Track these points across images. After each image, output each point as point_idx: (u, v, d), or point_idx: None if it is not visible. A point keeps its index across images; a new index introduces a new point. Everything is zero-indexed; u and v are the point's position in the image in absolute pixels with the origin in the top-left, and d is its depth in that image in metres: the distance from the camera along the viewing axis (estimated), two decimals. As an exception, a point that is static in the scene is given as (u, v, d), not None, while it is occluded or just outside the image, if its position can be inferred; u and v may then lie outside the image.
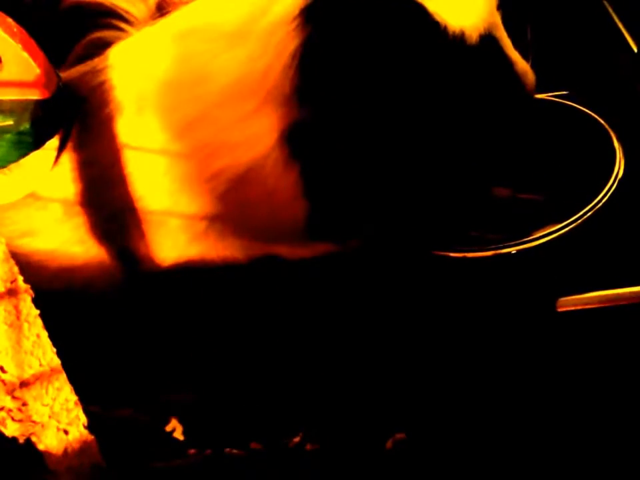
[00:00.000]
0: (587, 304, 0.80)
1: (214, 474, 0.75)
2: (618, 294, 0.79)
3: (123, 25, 0.93)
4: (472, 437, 0.75)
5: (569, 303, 0.80)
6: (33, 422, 0.64)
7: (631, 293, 0.78)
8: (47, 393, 0.64)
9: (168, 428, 0.79)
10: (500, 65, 0.83)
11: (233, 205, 0.82)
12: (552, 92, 1.03)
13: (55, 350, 0.65)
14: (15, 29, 0.76)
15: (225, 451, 0.76)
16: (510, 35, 0.86)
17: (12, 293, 0.62)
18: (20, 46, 0.75)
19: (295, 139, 0.78)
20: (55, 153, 0.81)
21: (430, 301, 0.85)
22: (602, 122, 0.95)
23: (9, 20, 0.76)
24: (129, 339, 0.85)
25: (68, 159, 0.83)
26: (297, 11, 0.78)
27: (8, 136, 0.75)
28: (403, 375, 0.81)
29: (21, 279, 0.63)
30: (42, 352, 0.64)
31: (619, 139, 0.92)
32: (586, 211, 0.85)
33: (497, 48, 0.83)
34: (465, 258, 0.85)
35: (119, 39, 0.90)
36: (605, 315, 0.79)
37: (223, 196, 0.81)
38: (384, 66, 0.77)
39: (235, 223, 0.83)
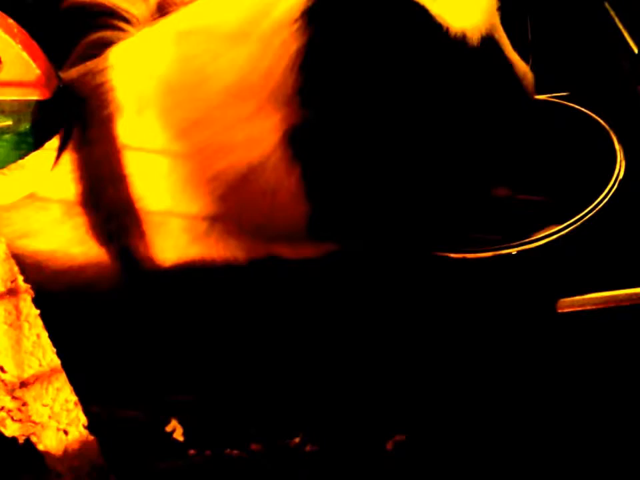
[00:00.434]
0: (587, 305, 0.80)
1: (214, 474, 0.75)
2: (618, 295, 0.79)
3: (123, 25, 0.93)
4: (472, 439, 0.75)
5: (570, 304, 0.80)
6: (33, 422, 0.64)
7: (631, 294, 0.79)
8: (46, 393, 0.64)
9: (168, 428, 0.79)
10: (500, 67, 0.83)
11: (234, 205, 0.82)
12: (553, 93, 1.04)
13: (55, 350, 0.65)
14: (16, 30, 0.76)
15: (225, 451, 0.76)
16: (510, 36, 0.86)
17: (12, 292, 0.62)
18: (20, 46, 0.75)
19: (296, 140, 0.79)
20: (55, 154, 0.81)
21: (430, 301, 0.85)
22: (602, 123, 0.95)
23: (10, 20, 0.76)
24: (129, 339, 0.85)
25: (68, 159, 0.83)
26: (299, 13, 0.78)
27: (7, 136, 0.75)
28: (403, 376, 0.81)
29: (21, 278, 0.63)
30: (42, 352, 0.64)
31: (619, 140, 0.92)
32: (586, 212, 0.85)
33: (497, 49, 0.83)
34: (465, 259, 0.85)
35: (119, 39, 0.90)
36: (605, 316, 0.79)
37: (224, 196, 0.81)
38: (386, 68, 0.77)
39: (236, 224, 0.83)
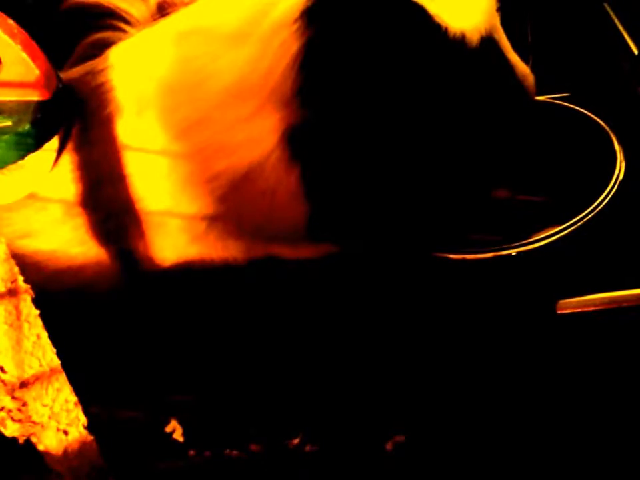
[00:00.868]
0: (587, 306, 0.80)
1: (214, 475, 0.75)
2: (618, 296, 0.79)
3: (123, 26, 0.93)
4: (472, 439, 0.75)
5: (569, 305, 0.80)
6: (33, 422, 0.64)
7: (631, 295, 0.79)
8: (46, 393, 0.64)
9: (168, 429, 0.79)
10: (500, 68, 0.83)
11: (234, 205, 0.82)
12: (553, 94, 1.04)
13: (55, 350, 0.65)
14: (15, 30, 0.76)
15: (224, 452, 0.76)
16: (510, 38, 0.86)
17: (12, 293, 0.62)
18: (20, 47, 0.75)
19: (295, 140, 0.79)
20: (54, 154, 0.81)
21: (430, 302, 0.85)
22: (603, 124, 0.95)
23: (10, 21, 0.76)
24: (129, 339, 0.85)
25: (68, 159, 0.83)
26: (298, 14, 0.78)
27: (7, 137, 0.75)
28: (402, 376, 0.81)
29: (21, 279, 0.63)
30: (42, 352, 0.64)
31: (619, 141, 0.92)
32: (587, 213, 0.85)
33: (497, 50, 0.83)
34: (464, 259, 0.85)
35: (119, 39, 0.90)
36: (606, 317, 0.79)
37: (223, 197, 0.81)
38: (385, 68, 0.77)
39: (235, 224, 0.83)
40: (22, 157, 0.77)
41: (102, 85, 0.84)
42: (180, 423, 0.79)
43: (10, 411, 0.63)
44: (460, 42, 0.78)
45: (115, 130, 0.82)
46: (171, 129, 0.81)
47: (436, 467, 0.74)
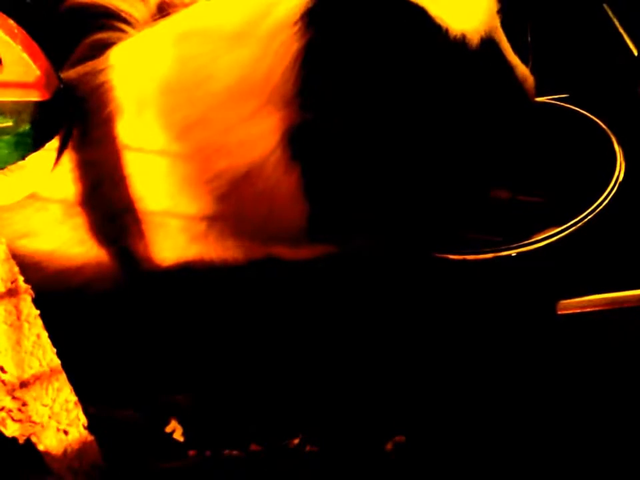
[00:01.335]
0: (587, 307, 0.80)
1: (213, 475, 0.75)
2: (618, 297, 0.79)
3: (124, 27, 0.93)
4: (472, 440, 0.75)
5: (570, 305, 0.80)
6: (33, 422, 0.64)
7: (631, 296, 0.79)
8: (46, 393, 0.64)
9: (168, 429, 0.79)
10: (500, 69, 0.83)
11: (234, 205, 0.82)
12: (552, 95, 1.04)
13: (55, 350, 0.65)
14: (16, 30, 0.76)
15: (224, 452, 0.76)
16: (510, 38, 0.86)
17: (12, 293, 0.62)
18: (20, 47, 0.75)
19: (296, 141, 0.79)
20: (55, 154, 0.81)
21: (430, 303, 0.85)
22: (602, 125, 0.95)
23: (10, 21, 0.76)
24: (129, 339, 0.85)
25: (68, 159, 0.83)
26: (299, 15, 0.78)
27: (7, 137, 0.75)
28: (402, 377, 0.81)
29: (21, 279, 0.63)
30: (42, 352, 0.64)
31: (619, 142, 0.92)
32: (587, 214, 0.85)
33: (497, 52, 0.83)
34: (465, 260, 0.85)
35: (120, 40, 0.90)
36: (605, 317, 0.79)
37: (223, 196, 0.81)
38: (385, 69, 0.77)
39: (235, 224, 0.83)
40: (22, 157, 0.77)
41: (102, 84, 0.84)
42: (180, 422, 0.79)
43: (10, 410, 0.63)
44: (461, 43, 0.78)
45: (115, 130, 0.82)
46: (170, 129, 0.81)
47: (436, 467, 0.74)
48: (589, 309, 0.80)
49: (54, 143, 0.80)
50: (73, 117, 0.82)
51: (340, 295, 0.86)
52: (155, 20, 0.92)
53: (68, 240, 0.83)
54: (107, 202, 0.83)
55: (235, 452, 0.76)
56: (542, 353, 0.80)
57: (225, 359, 0.85)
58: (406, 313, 0.85)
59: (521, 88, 0.85)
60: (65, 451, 0.66)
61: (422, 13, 0.77)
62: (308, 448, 0.76)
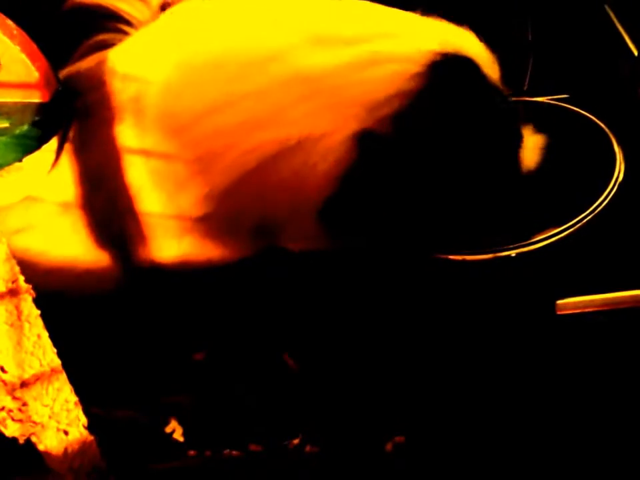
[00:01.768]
0: (586, 307, 0.80)
1: (213, 475, 0.75)
2: (617, 297, 0.79)
3: (125, 28, 0.93)
4: (472, 440, 0.75)
5: (569, 306, 0.81)
6: (33, 422, 0.64)
7: (630, 296, 0.79)
8: (47, 393, 0.64)
9: (168, 429, 0.79)
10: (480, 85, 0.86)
11: (257, 182, 0.82)
12: (553, 95, 1.04)
13: (55, 350, 0.65)
14: (15, 31, 0.76)
15: (224, 452, 0.77)
16: (511, 39, 0.86)
17: (13, 293, 0.62)
18: (19, 48, 0.75)
19: (365, 141, 0.81)
20: (53, 155, 0.81)
21: (430, 303, 0.85)
22: (602, 125, 0.95)
23: (9, 22, 0.76)
24: (130, 339, 0.85)
25: (67, 160, 0.83)
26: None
27: (5, 138, 0.75)
28: (402, 377, 0.81)
29: (22, 279, 0.63)
30: (42, 352, 0.64)
31: (619, 143, 0.92)
32: (586, 214, 0.85)
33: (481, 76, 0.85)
34: (464, 260, 0.85)
35: (121, 41, 0.90)
36: (605, 318, 0.79)
37: (251, 172, 0.82)
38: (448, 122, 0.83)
39: (245, 209, 0.83)
40: (20, 159, 0.77)
41: (101, 85, 0.84)
42: (180, 423, 0.79)
43: (10, 410, 0.63)
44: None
45: (115, 130, 0.82)
46: (200, 106, 0.82)
47: (436, 467, 0.74)
48: (588, 310, 0.80)
49: (52, 144, 0.80)
50: (71, 118, 0.82)
51: (341, 295, 0.86)
52: (157, 21, 0.92)
53: (66, 240, 0.83)
54: (106, 202, 0.83)
55: (234, 452, 0.76)
56: (541, 353, 0.80)
57: (225, 359, 0.85)
58: (406, 313, 0.85)
59: (497, 91, 0.87)
60: (65, 451, 0.66)
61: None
62: (308, 448, 0.76)
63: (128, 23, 0.93)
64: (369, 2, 0.87)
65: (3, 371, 0.62)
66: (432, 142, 0.83)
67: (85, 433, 0.67)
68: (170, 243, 0.84)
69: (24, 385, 0.63)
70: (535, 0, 1.10)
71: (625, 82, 1.04)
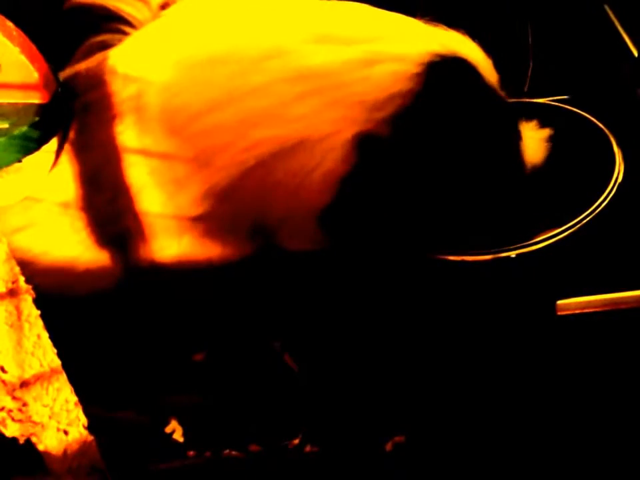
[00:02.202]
0: (586, 308, 0.80)
1: (213, 475, 0.75)
2: (617, 298, 0.79)
3: (126, 29, 0.93)
4: (471, 440, 0.75)
5: (569, 306, 0.81)
6: (33, 422, 0.64)
7: (630, 296, 0.79)
8: (47, 393, 0.64)
9: (168, 429, 0.79)
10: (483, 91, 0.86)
11: (257, 180, 0.82)
12: (553, 96, 1.04)
13: (55, 350, 0.65)
14: (14, 32, 0.76)
15: (224, 452, 0.77)
16: (511, 39, 0.86)
17: (13, 293, 0.62)
18: (19, 49, 0.75)
19: (364, 143, 0.81)
20: (53, 156, 0.81)
21: (429, 304, 0.85)
22: (602, 126, 0.95)
23: (8, 23, 0.76)
24: (130, 339, 0.85)
25: (67, 160, 0.83)
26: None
27: (4, 139, 0.75)
28: (402, 377, 0.81)
29: (22, 279, 0.63)
30: (42, 352, 0.64)
31: (618, 144, 0.92)
32: (586, 215, 0.85)
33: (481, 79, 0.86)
34: (464, 261, 0.85)
35: (121, 42, 0.90)
36: (604, 318, 0.79)
37: (250, 169, 0.82)
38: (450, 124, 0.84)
39: (245, 206, 0.84)
40: (19, 160, 0.77)
41: (102, 85, 0.84)
42: (180, 423, 0.79)
43: (10, 411, 0.63)
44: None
45: (115, 130, 0.82)
46: (199, 103, 0.82)
47: (436, 467, 0.74)
48: (587, 310, 0.80)
49: (52, 145, 0.80)
50: (71, 118, 0.82)
51: (339, 296, 0.86)
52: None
53: (66, 241, 0.83)
54: (106, 202, 0.83)
55: (234, 452, 0.76)
56: (542, 353, 0.80)
57: (224, 359, 0.85)
58: (406, 314, 0.85)
59: (494, 92, 0.88)
60: (65, 451, 0.66)
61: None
62: (308, 448, 0.77)
63: (128, 23, 0.93)
64: (368, 5, 0.87)
65: (3, 371, 0.62)
66: (430, 143, 0.83)
67: (85, 433, 0.67)
68: (169, 242, 0.84)
69: (24, 385, 0.63)
70: (535, 1, 1.10)
71: (624, 83, 1.04)
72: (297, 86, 0.81)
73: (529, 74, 1.08)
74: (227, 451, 0.77)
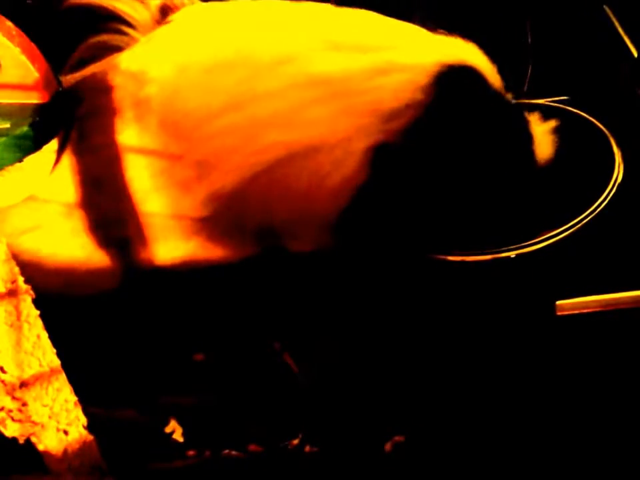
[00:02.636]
0: (585, 308, 0.80)
1: (213, 475, 0.75)
2: (616, 298, 0.79)
3: (125, 29, 0.93)
4: (471, 440, 0.75)
5: (568, 306, 0.81)
6: (33, 422, 0.64)
7: (629, 297, 0.79)
8: (46, 393, 0.64)
9: (167, 429, 0.79)
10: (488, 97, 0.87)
11: (268, 183, 0.83)
12: (552, 97, 1.04)
13: (54, 350, 0.65)
14: (14, 32, 0.76)
15: (224, 452, 0.77)
16: (510, 41, 0.86)
17: (12, 293, 0.62)
18: (19, 49, 0.76)
19: (380, 151, 0.82)
20: (54, 156, 0.81)
21: (429, 304, 0.85)
22: (601, 127, 0.95)
23: (8, 23, 0.77)
24: (129, 339, 0.85)
25: (72, 162, 0.83)
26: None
27: (4, 139, 0.75)
28: (401, 377, 0.81)
29: (21, 279, 0.63)
30: (42, 352, 0.64)
31: (618, 144, 0.92)
32: (585, 215, 0.85)
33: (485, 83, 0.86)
34: (464, 262, 0.85)
35: (120, 42, 0.90)
36: (604, 319, 0.79)
37: (262, 172, 0.82)
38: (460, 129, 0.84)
39: (254, 209, 0.84)
40: (19, 159, 0.77)
41: (104, 87, 0.84)
42: (179, 423, 0.79)
43: (10, 411, 0.63)
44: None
45: (115, 130, 0.82)
46: (211, 107, 0.83)
47: (436, 467, 0.74)
48: (587, 310, 0.80)
49: (52, 145, 0.80)
50: (71, 119, 0.82)
51: (339, 297, 0.87)
52: (158, 22, 0.93)
53: (66, 240, 0.83)
54: (111, 204, 0.83)
55: (234, 452, 0.76)
56: (541, 354, 0.80)
57: (224, 359, 0.85)
58: (405, 314, 0.85)
59: (500, 95, 0.88)
60: (65, 451, 0.66)
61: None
62: (307, 448, 0.77)
63: (127, 23, 0.93)
64: (375, 13, 0.88)
65: (3, 371, 0.62)
66: (442, 153, 0.84)
67: (85, 432, 0.67)
68: (176, 245, 0.84)
69: (23, 385, 0.63)
70: (535, 1, 1.10)
71: (624, 83, 1.04)
72: (309, 92, 0.81)
73: (529, 74, 1.08)
74: (227, 450, 0.77)
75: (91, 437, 0.68)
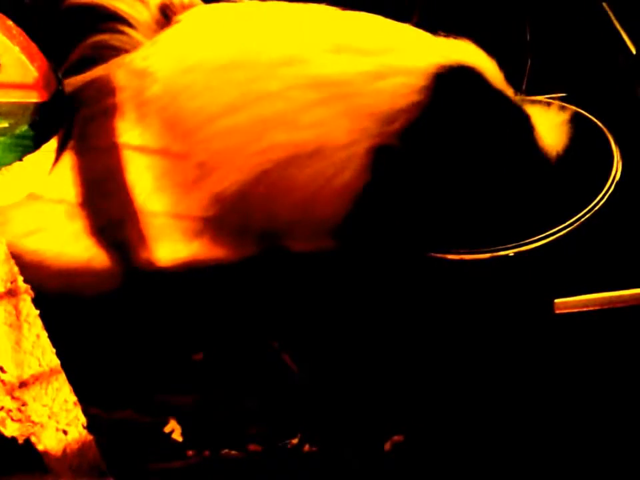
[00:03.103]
0: (584, 306, 0.80)
1: (213, 475, 0.75)
2: (615, 296, 0.79)
3: (124, 29, 0.93)
4: (470, 439, 0.75)
5: (567, 305, 0.81)
6: (33, 422, 0.64)
7: (628, 295, 0.79)
8: (46, 393, 0.64)
9: (167, 429, 0.79)
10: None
11: (270, 184, 0.83)
12: (550, 94, 1.04)
13: (54, 350, 0.65)
14: (14, 31, 0.76)
15: (223, 452, 0.77)
16: (509, 37, 0.86)
17: (12, 293, 0.62)
18: (19, 48, 0.75)
19: (381, 155, 0.82)
20: (53, 155, 0.81)
21: (428, 303, 0.85)
22: (600, 124, 0.95)
23: (8, 22, 0.76)
24: (129, 339, 0.85)
25: (67, 160, 0.83)
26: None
27: (4, 138, 0.75)
28: (400, 376, 0.81)
29: (20, 279, 0.63)
30: (41, 352, 0.64)
31: (616, 141, 0.92)
32: (584, 213, 0.85)
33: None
34: (462, 260, 0.85)
35: (120, 42, 0.90)
36: (602, 317, 0.79)
37: (265, 173, 0.82)
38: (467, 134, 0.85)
39: (257, 210, 0.84)
40: (19, 159, 0.77)
41: (105, 87, 0.84)
42: (179, 422, 0.79)
43: (10, 410, 0.63)
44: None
45: (116, 130, 0.82)
46: (213, 106, 0.83)
47: (435, 467, 0.74)
48: (585, 309, 0.80)
49: (52, 144, 0.80)
50: (71, 118, 0.82)
51: (338, 296, 0.87)
52: (158, 22, 0.92)
53: (66, 240, 0.83)
54: (107, 203, 0.83)
55: (233, 452, 0.76)
56: (539, 352, 0.80)
57: (224, 359, 0.85)
58: (404, 312, 0.85)
59: (503, 95, 0.89)
60: (65, 451, 0.66)
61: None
62: (307, 448, 0.77)
63: (127, 23, 0.93)
64: (377, 15, 0.88)
65: (2, 371, 0.62)
66: (443, 154, 0.84)
67: (84, 432, 0.67)
68: (178, 246, 0.84)
69: (23, 385, 0.63)
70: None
71: (623, 80, 1.04)
72: (312, 93, 0.81)
73: (527, 71, 1.08)
74: (226, 450, 0.77)
75: (90, 437, 0.68)
